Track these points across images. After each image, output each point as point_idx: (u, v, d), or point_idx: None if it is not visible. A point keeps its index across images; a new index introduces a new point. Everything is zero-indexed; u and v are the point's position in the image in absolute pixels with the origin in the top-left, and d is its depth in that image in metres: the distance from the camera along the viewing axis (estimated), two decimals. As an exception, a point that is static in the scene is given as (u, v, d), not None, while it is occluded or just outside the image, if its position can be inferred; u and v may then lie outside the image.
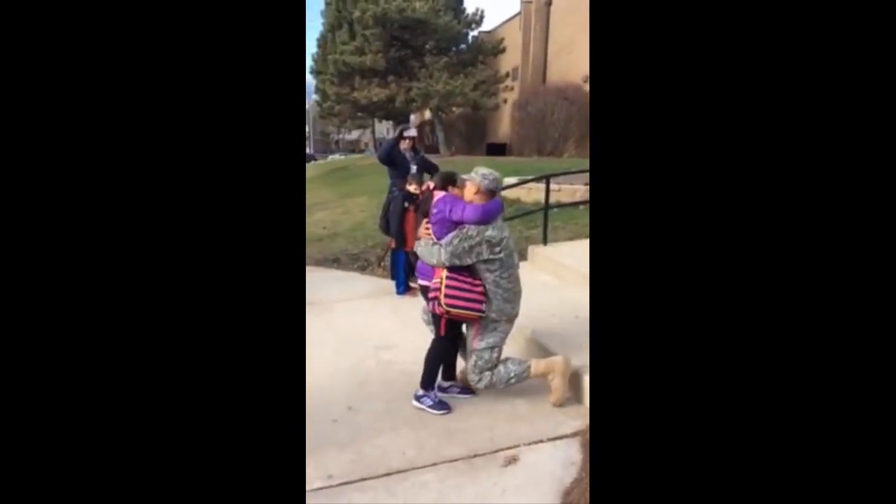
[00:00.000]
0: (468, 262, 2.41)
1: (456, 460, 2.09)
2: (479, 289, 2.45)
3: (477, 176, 2.48)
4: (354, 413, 2.48)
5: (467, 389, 2.62)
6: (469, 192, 2.48)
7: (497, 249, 2.39)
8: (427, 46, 16.17)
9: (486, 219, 2.40)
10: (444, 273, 2.46)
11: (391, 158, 4.20)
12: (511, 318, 2.53)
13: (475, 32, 17.24)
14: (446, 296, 2.42)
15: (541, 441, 2.19)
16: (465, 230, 2.38)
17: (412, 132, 4.34)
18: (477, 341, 2.48)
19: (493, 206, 2.45)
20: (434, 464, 2.07)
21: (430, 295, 2.52)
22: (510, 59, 17.44)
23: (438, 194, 2.58)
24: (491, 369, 2.46)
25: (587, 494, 1.84)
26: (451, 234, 2.39)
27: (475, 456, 2.11)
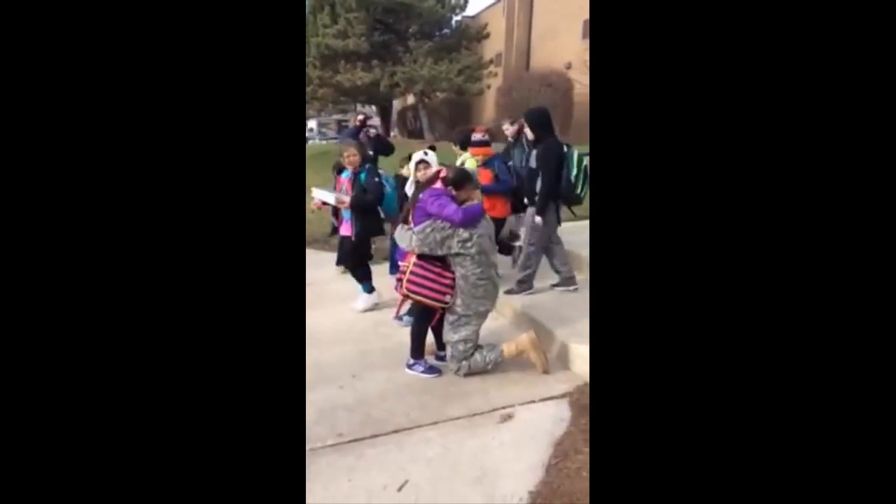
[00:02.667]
0: (438, 252, 2.54)
1: (457, 419, 2.28)
2: (447, 281, 2.58)
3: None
4: (359, 380, 2.66)
5: None
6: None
7: (468, 245, 2.51)
8: (411, 30, 16.10)
9: (468, 223, 2.51)
10: (414, 258, 2.60)
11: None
12: (482, 315, 2.67)
13: (459, 17, 17.19)
14: (409, 280, 2.58)
15: (533, 401, 2.40)
16: (439, 222, 2.51)
17: (375, 121, 4.62)
18: (451, 334, 2.63)
19: (476, 211, 2.55)
20: (436, 422, 2.26)
21: (397, 276, 2.69)
22: (494, 45, 17.47)
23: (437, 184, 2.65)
24: (467, 359, 2.63)
25: (576, 445, 2.05)
26: (425, 223, 2.52)
27: (474, 415, 2.31)
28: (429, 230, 2.51)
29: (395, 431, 2.20)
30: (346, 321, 3.45)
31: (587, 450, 1.98)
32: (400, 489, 1.84)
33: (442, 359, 2.78)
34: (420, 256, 2.59)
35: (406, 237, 2.58)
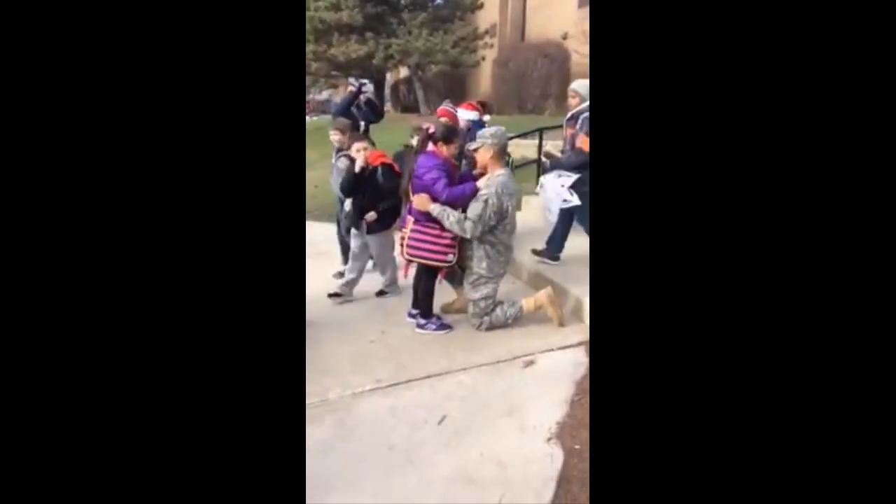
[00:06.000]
0: (491, 225, 2.65)
1: (482, 365, 2.48)
2: (446, 241, 2.70)
3: (489, 139, 2.68)
4: (387, 336, 2.85)
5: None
6: (485, 157, 2.70)
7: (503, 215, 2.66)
8: (404, 2, 15.86)
9: (460, 203, 2.64)
10: (411, 223, 2.72)
11: (347, 114, 4.24)
12: (501, 276, 2.83)
13: (452, -13, 16.93)
14: (409, 245, 2.72)
15: (552, 350, 2.60)
16: (485, 199, 2.60)
17: (369, 87, 4.38)
18: (472, 293, 2.80)
19: (464, 193, 2.65)
20: (465, 368, 2.46)
21: (400, 242, 2.80)
22: (488, 16, 17.25)
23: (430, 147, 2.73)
24: (488, 314, 2.80)
25: (594, 384, 2.26)
26: (478, 207, 2.59)
27: (498, 362, 2.51)
28: (484, 212, 2.59)
29: (428, 377, 2.40)
30: (369, 285, 3.62)
31: (605, 387, 2.19)
32: (440, 422, 2.05)
33: (414, 317, 2.90)
34: (417, 220, 2.71)
35: (468, 228, 2.60)
